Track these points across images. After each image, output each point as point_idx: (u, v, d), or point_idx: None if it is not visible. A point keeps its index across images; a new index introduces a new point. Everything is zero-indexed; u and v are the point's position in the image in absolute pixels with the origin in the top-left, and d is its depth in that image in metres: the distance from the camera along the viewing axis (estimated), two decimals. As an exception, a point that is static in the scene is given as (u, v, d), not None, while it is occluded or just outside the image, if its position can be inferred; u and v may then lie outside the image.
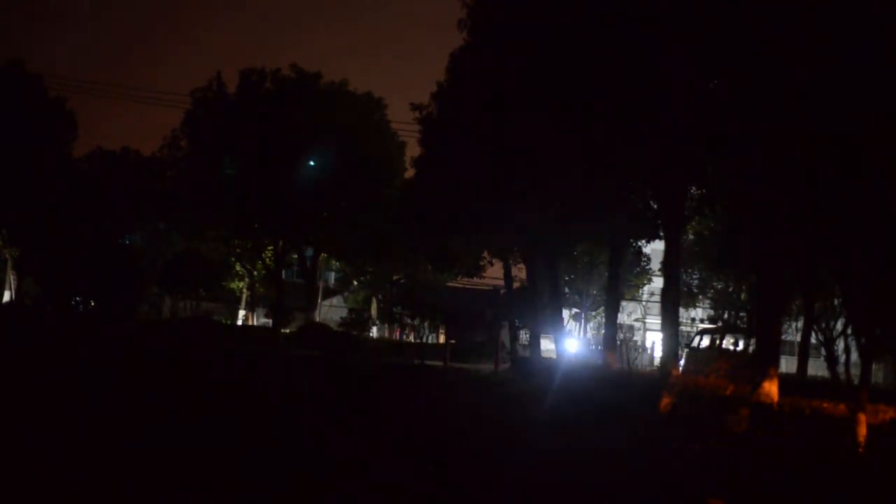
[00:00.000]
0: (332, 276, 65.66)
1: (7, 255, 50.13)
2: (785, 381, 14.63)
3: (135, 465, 10.03)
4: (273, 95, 43.72)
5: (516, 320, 41.45)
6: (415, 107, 32.18)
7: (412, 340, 49.23)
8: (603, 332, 31.94)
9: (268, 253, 47.99)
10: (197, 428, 13.31)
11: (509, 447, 14.29)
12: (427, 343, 47.97)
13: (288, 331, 47.38)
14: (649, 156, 18.01)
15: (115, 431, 12.29)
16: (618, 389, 19.02)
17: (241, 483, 9.56)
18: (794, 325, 34.38)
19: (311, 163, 42.82)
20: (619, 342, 30.99)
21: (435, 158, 31.91)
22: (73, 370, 21.02)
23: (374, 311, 58.68)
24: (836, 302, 28.18)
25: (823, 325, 29.57)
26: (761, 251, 15.18)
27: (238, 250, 49.02)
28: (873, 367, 20.47)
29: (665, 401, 15.48)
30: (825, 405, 12.44)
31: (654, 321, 46.22)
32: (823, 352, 30.22)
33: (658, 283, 39.19)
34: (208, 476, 9.78)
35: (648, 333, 52.98)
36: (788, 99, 12.85)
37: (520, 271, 41.64)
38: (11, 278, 51.11)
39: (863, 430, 11.62)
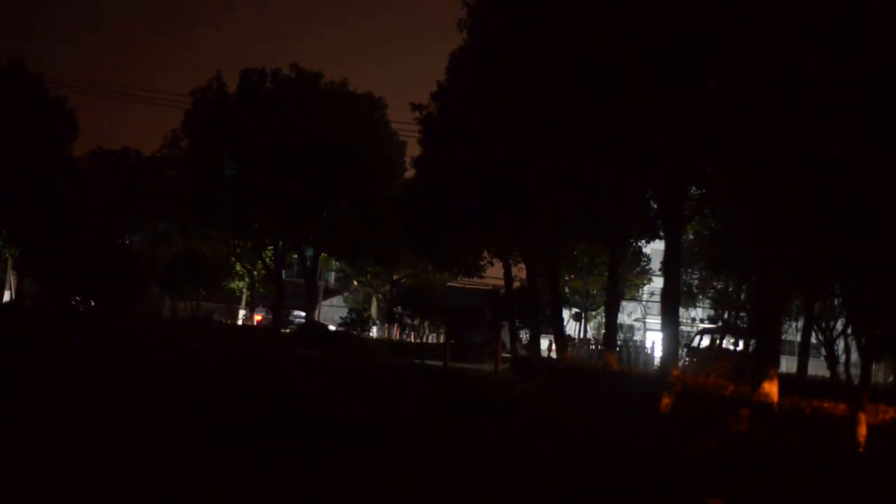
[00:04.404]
0: (332, 276, 65.72)
1: (7, 255, 50.13)
2: (785, 381, 14.60)
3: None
4: (273, 95, 43.74)
5: (516, 320, 41.44)
6: (415, 107, 32.20)
7: (412, 340, 49.27)
8: (603, 331, 31.94)
9: (268, 253, 48.02)
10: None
11: (509, 447, 14.30)
12: (427, 343, 48.00)
13: (288, 330, 47.44)
14: (649, 155, 18.02)
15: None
16: (617, 390, 19.04)
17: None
18: (794, 325, 34.32)
19: (311, 163, 42.83)
20: (619, 343, 30.96)
21: (435, 158, 31.94)
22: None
23: (374, 311, 58.72)
24: (836, 302, 28.14)
25: (823, 325, 29.53)
26: (762, 251, 15.17)
27: (238, 250, 49.06)
28: (873, 367, 20.45)
29: (665, 401, 15.46)
30: (825, 405, 12.42)
31: (654, 321, 46.20)
32: (823, 352, 30.19)
33: (658, 283, 39.14)
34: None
35: (648, 333, 52.94)
36: (787, 99, 12.85)
37: (520, 271, 41.61)
38: (11, 278, 51.12)
39: (863, 430, 11.61)
